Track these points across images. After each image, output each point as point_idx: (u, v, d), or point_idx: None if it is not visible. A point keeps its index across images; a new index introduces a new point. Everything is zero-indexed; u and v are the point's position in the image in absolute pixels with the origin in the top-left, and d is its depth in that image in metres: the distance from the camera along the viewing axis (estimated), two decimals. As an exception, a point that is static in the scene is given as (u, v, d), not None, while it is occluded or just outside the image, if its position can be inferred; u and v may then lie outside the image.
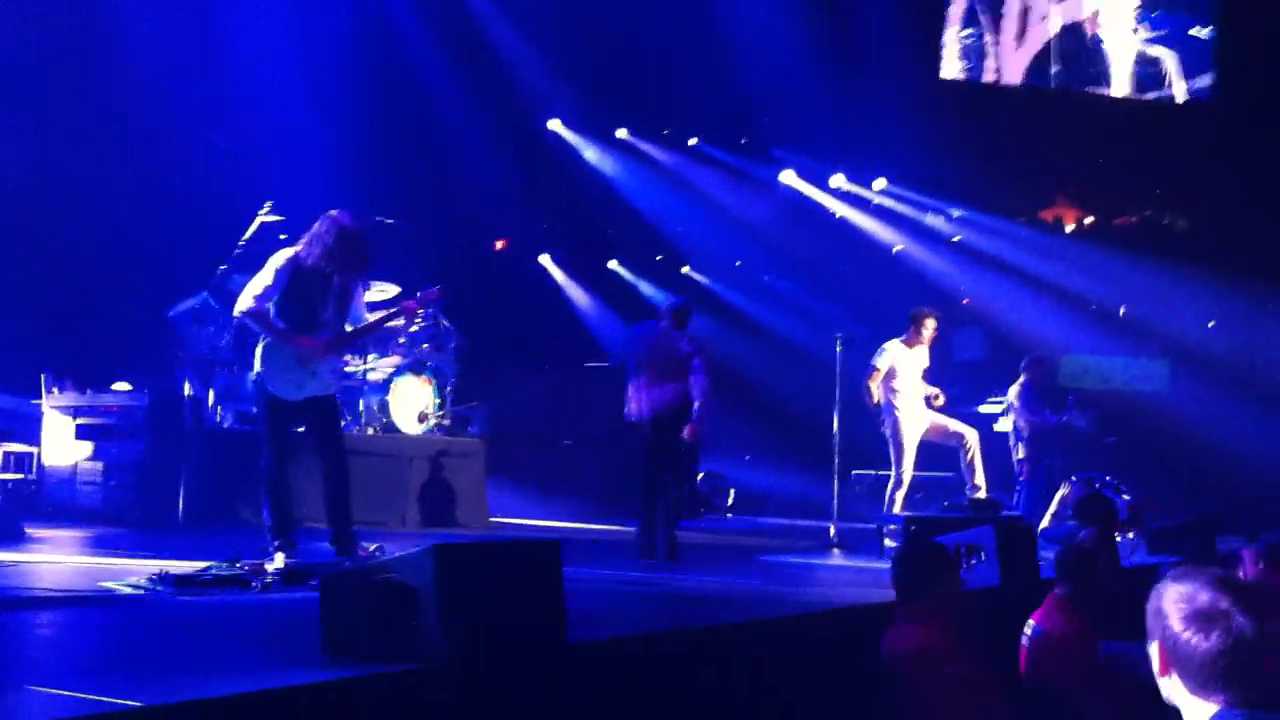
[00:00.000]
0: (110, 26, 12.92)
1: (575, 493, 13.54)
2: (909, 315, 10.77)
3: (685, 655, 5.29)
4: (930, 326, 10.66)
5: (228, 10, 14.23)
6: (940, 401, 10.75)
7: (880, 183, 18.60)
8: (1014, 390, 12.57)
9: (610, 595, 6.84)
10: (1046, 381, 12.94)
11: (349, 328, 7.63)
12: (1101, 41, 18.00)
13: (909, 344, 10.68)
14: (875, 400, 10.51)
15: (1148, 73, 18.01)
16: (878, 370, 10.50)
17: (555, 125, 18.13)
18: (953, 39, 18.01)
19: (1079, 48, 17.99)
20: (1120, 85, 18.01)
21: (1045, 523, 10.94)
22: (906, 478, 10.53)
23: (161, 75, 13.22)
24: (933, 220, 18.59)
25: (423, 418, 11.71)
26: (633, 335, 9.78)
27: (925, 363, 10.75)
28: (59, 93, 12.97)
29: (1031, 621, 5.66)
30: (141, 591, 6.23)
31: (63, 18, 12.79)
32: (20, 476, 10.61)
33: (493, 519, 11.85)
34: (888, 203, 18.75)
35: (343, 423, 8.30)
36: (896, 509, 10.26)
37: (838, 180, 18.62)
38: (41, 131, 12.90)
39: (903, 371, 10.60)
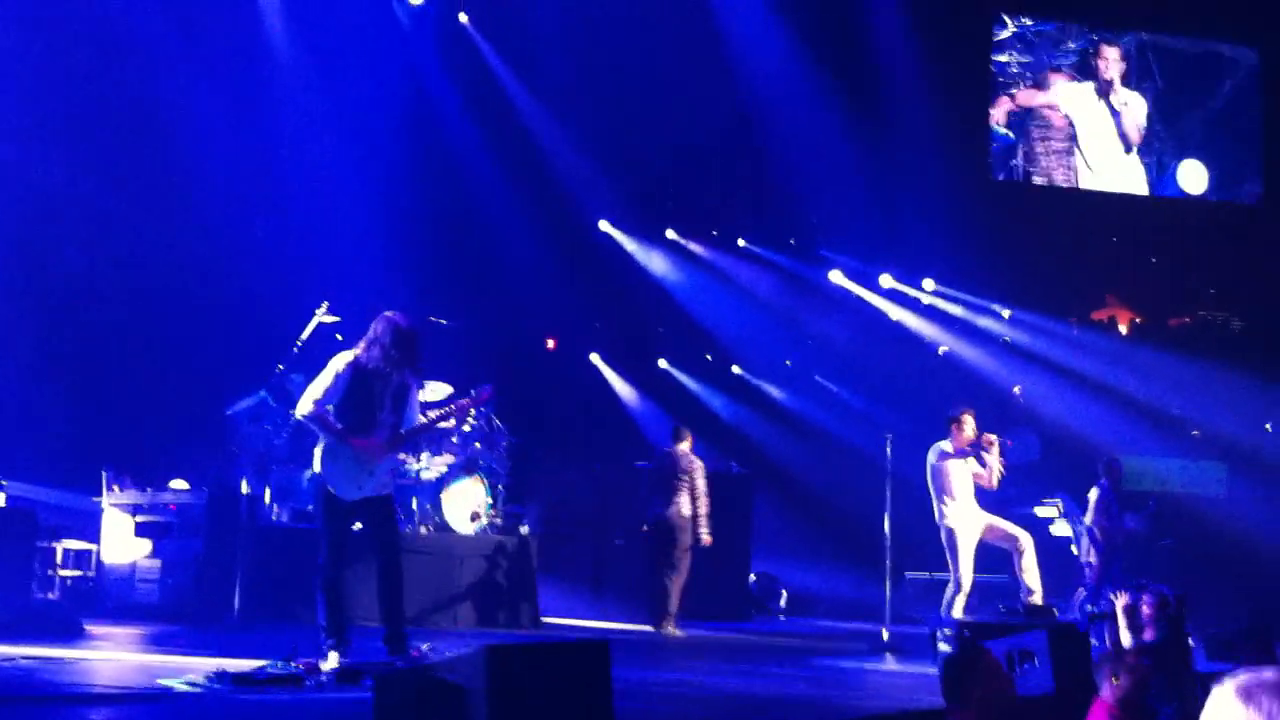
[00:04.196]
0: (169, 126, 13.33)
1: (626, 592, 13.52)
2: (947, 417, 10.70)
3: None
4: (969, 424, 10.59)
5: (281, 116, 14.67)
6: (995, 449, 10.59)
7: (929, 283, 18.68)
8: (1093, 494, 12.42)
9: (660, 698, 6.84)
10: (1119, 485, 12.80)
11: (404, 428, 7.76)
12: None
13: (956, 444, 10.62)
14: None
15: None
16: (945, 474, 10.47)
17: (605, 225, 18.39)
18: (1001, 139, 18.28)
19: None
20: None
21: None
22: (966, 582, 10.38)
23: (218, 176, 13.62)
24: (985, 321, 18.59)
25: (475, 516, 11.77)
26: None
27: (975, 465, 10.64)
28: (118, 191, 13.33)
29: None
30: (199, 689, 6.32)
31: (122, 115, 13.21)
32: (79, 573, 10.74)
33: (544, 619, 11.86)
34: (937, 303, 18.81)
35: (398, 522, 8.39)
36: (955, 613, 10.14)
37: (886, 280, 18.72)
38: (103, 232, 13.26)
39: (954, 473, 10.53)
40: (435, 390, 11.76)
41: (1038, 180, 18.39)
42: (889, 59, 16.93)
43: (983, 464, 10.48)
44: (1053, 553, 12.21)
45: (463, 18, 16.38)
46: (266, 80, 14.55)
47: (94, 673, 7.15)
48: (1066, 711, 6.18)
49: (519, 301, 16.86)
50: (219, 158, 13.52)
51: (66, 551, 10.81)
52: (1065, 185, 18.41)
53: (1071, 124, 18.43)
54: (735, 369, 19.49)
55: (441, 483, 11.68)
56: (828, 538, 16.08)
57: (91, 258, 13.08)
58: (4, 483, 9.49)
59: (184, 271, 13.42)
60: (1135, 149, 18.44)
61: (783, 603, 15.25)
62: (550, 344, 18.44)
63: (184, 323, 13.38)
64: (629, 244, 18.54)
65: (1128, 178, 18.52)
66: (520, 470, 12.66)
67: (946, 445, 10.56)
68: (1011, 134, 18.33)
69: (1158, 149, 18.60)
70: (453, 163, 16.15)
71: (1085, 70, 18.48)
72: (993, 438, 10.56)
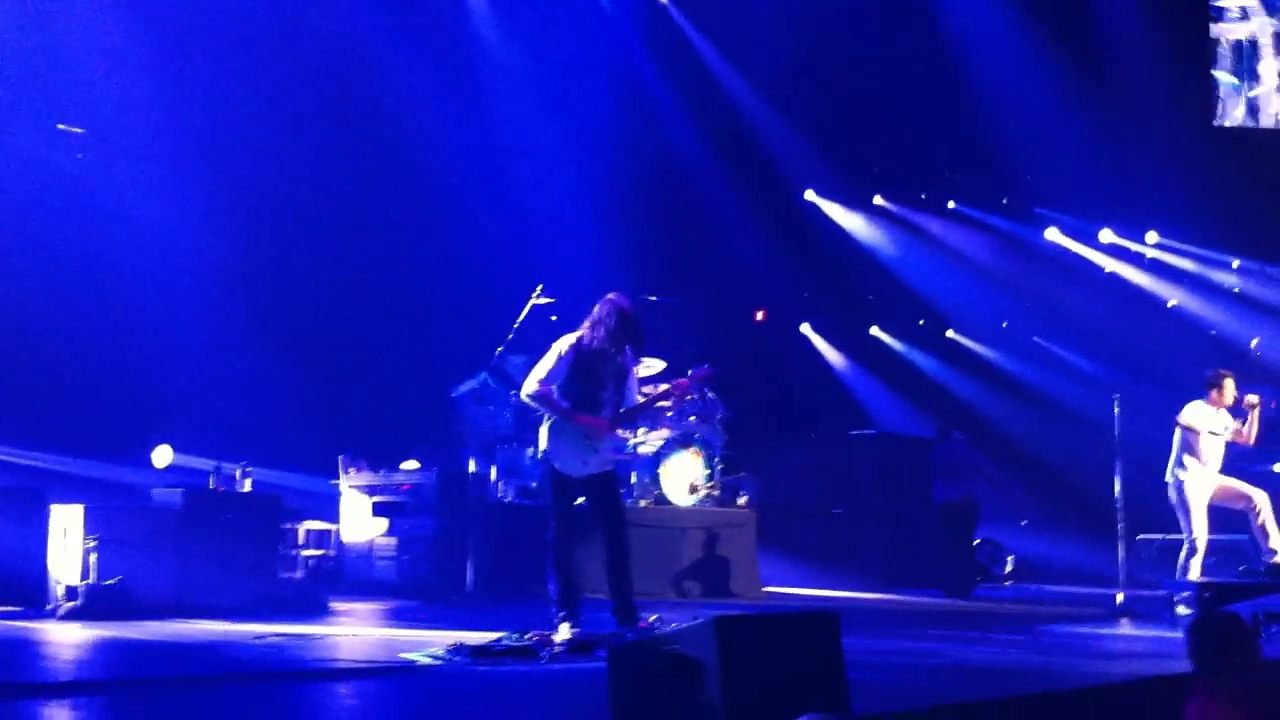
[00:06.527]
0: (391, 121, 13.82)
1: (846, 562, 13.46)
2: (1206, 379, 10.42)
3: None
4: (1229, 388, 10.33)
5: (495, 106, 15.03)
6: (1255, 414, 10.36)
7: (1153, 236, 17.95)
8: None
9: (891, 667, 6.80)
10: None
11: (625, 407, 7.91)
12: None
13: (1212, 406, 10.36)
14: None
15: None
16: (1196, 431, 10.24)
17: (811, 195, 18.26)
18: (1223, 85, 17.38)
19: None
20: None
21: None
22: (1200, 543, 10.11)
23: (435, 168, 14.04)
24: (1215, 273, 17.78)
25: (694, 489, 11.90)
26: None
27: (1230, 424, 10.38)
28: (345, 188, 13.89)
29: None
30: (440, 662, 6.57)
31: (351, 115, 13.75)
32: (322, 553, 11.26)
33: (765, 589, 11.92)
34: (1162, 256, 18.07)
35: (622, 496, 8.55)
36: (1191, 576, 9.83)
37: (1106, 235, 18.07)
38: (333, 229, 13.82)
39: (1204, 435, 10.27)
40: (649, 365, 11.92)
41: (1265, 124, 17.44)
42: (1102, 7, 16.32)
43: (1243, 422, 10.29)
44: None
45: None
46: (481, 74, 14.95)
47: (340, 648, 7.50)
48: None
49: (728, 275, 16.92)
50: (437, 150, 13.96)
51: (309, 532, 11.33)
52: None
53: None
54: (950, 333, 19.13)
55: (660, 457, 11.85)
56: (1051, 502, 15.70)
57: (320, 255, 13.66)
58: (252, 469, 9.99)
59: (404, 263, 13.91)
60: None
61: (1009, 568, 14.95)
62: (759, 315, 18.42)
63: (407, 311, 13.88)
64: (836, 212, 18.39)
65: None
66: (736, 443, 12.73)
67: (1199, 407, 10.30)
68: (1235, 80, 17.42)
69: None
70: (659, 141, 16.29)
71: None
72: (1255, 399, 10.32)
